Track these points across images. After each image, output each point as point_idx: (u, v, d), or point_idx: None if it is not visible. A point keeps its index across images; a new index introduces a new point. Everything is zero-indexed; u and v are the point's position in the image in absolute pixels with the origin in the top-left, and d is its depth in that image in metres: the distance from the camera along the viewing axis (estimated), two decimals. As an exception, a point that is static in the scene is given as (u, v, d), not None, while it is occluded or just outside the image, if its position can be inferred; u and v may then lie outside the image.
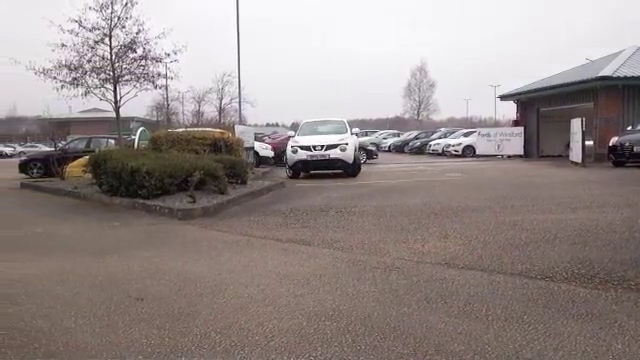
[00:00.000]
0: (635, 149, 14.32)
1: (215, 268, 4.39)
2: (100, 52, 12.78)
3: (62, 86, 12.66)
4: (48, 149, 25.26)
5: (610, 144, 15.12)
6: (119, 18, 12.67)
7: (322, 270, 4.18)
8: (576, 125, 16.38)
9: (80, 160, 12.38)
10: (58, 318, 3.20)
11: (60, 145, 17.56)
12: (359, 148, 15.95)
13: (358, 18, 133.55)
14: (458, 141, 26.30)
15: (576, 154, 16.32)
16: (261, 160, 18.23)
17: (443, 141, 28.05)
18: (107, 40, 12.71)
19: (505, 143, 23.24)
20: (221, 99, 51.38)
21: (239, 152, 13.00)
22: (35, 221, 7.37)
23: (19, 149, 46.03)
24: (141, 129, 14.92)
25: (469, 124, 60.16)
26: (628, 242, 4.83)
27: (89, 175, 10.25)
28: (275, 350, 2.64)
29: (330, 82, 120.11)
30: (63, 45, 12.49)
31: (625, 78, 17.59)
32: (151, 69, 13.23)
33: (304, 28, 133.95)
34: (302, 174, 13.67)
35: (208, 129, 16.60)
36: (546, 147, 22.42)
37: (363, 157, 19.03)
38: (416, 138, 32.89)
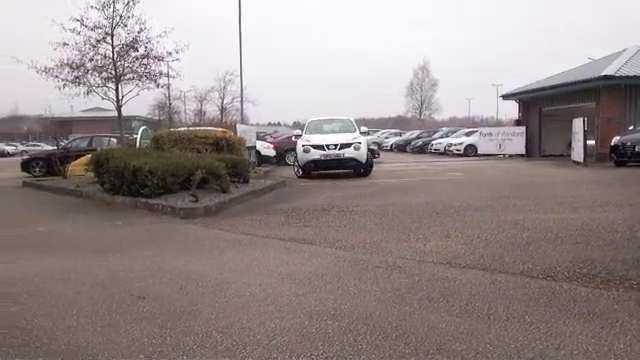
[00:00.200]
0: (637, 149, 14.28)
1: (217, 267, 4.39)
2: (102, 51, 12.82)
3: (64, 85, 12.70)
4: (50, 148, 25.33)
5: (612, 144, 15.09)
6: (121, 17, 12.69)
7: (324, 269, 4.19)
8: (578, 125, 16.34)
9: (82, 159, 12.39)
10: (60, 317, 3.21)
11: (62, 144, 17.59)
12: None
13: (359, 18, 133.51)
14: (460, 140, 26.26)
15: (578, 154, 16.29)
16: (263, 159, 18.23)
17: (445, 140, 28.01)
18: (109, 39, 12.73)
19: (507, 142, 23.20)
20: (223, 98, 51.42)
21: (241, 151, 13.00)
22: (37, 220, 7.39)
23: (21, 148, 46.10)
24: (143, 128, 14.92)
25: (471, 123, 60.12)
26: (630, 242, 4.82)
27: (91, 174, 10.27)
28: (277, 349, 2.65)
29: (331, 81, 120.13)
30: (65, 44, 12.51)
31: (627, 77, 17.53)
32: (153, 68, 13.25)
33: (305, 28, 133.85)
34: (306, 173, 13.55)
35: (210, 128, 16.60)
36: (548, 147, 22.38)
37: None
38: (418, 137, 32.86)
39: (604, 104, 18.02)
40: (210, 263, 4.55)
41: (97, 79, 12.91)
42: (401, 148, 32.79)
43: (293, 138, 21.67)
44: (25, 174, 15.82)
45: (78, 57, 12.65)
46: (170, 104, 45.89)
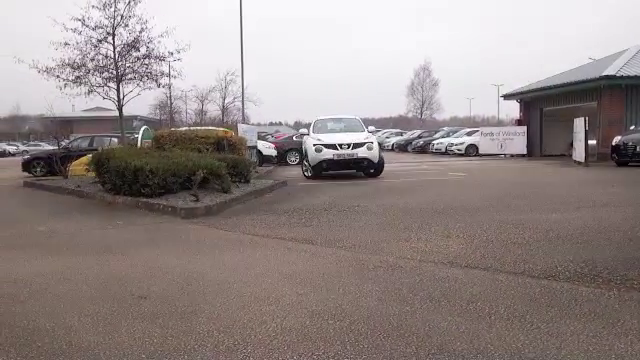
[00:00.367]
0: (638, 149, 14.28)
1: (218, 267, 4.39)
2: (103, 51, 12.83)
3: (65, 85, 12.71)
4: (51, 148, 25.35)
5: (613, 143, 15.08)
6: (122, 17, 12.69)
7: (325, 269, 4.19)
8: (579, 124, 16.33)
9: (83, 159, 12.41)
10: (61, 317, 3.21)
11: (63, 144, 17.60)
12: None
13: (360, 17, 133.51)
14: (461, 140, 26.26)
15: (579, 153, 16.28)
16: (264, 159, 18.25)
17: (446, 140, 28.00)
18: (110, 39, 12.74)
19: (508, 142, 23.19)
20: (224, 98, 51.38)
21: (242, 151, 13.01)
22: (38, 219, 7.40)
23: (22, 148, 46.15)
24: (144, 128, 14.93)
25: (472, 123, 60.12)
26: (631, 241, 4.82)
27: (92, 174, 10.27)
28: (278, 349, 2.65)
29: (332, 81, 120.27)
30: (66, 44, 12.52)
31: (628, 77, 17.52)
32: (154, 68, 13.26)
33: (307, 28, 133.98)
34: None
35: (211, 128, 16.62)
36: (549, 146, 22.37)
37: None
38: (419, 137, 32.86)
39: (605, 104, 18.00)
40: (211, 263, 4.55)
41: (98, 79, 12.93)
42: (402, 148, 32.79)
43: (295, 138, 21.81)
44: (26, 174, 15.84)
45: (79, 57, 12.68)
46: (171, 104, 45.91)
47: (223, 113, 50.49)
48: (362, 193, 9.47)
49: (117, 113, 13.80)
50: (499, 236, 5.22)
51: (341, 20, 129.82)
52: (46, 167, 15.72)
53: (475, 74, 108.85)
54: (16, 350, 2.72)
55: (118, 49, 12.81)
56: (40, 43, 14.62)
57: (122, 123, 14.27)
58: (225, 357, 2.58)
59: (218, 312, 3.23)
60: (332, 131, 13.60)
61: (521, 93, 23.83)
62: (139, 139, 13.59)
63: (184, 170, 8.49)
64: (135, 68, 13.07)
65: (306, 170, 13.15)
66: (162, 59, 13.32)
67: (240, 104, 33.42)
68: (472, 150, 24.68)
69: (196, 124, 30.56)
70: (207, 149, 11.61)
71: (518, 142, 22.92)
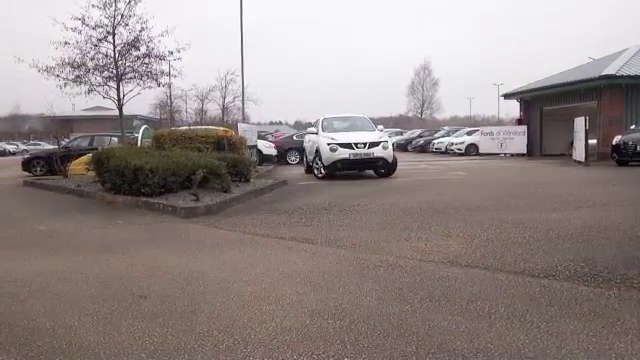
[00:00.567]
0: (638, 148, 14.27)
1: (218, 266, 4.39)
2: (103, 50, 12.81)
3: (65, 84, 12.69)
4: (51, 147, 25.36)
5: (613, 143, 15.07)
6: (122, 16, 12.67)
7: (325, 268, 4.19)
8: (579, 124, 16.32)
9: (83, 158, 12.40)
10: (61, 316, 3.21)
11: (63, 143, 17.60)
12: None
13: (361, 17, 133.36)
14: (461, 140, 26.26)
15: (579, 153, 16.27)
16: (264, 158, 18.26)
17: (446, 139, 28.01)
18: (110, 38, 12.72)
19: (508, 142, 23.20)
20: (224, 97, 51.39)
21: (242, 150, 13.01)
22: (38, 219, 7.40)
23: (22, 147, 46.16)
24: (144, 127, 14.93)
25: (472, 123, 60.17)
26: (631, 241, 4.82)
27: (92, 173, 10.27)
28: (278, 348, 2.65)
29: (333, 80, 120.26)
30: (66, 43, 12.51)
31: (629, 77, 17.52)
32: (154, 67, 13.24)
33: (307, 27, 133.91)
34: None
35: (211, 127, 16.63)
36: (549, 146, 22.37)
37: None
38: (419, 136, 32.89)
39: (605, 103, 18.00)
40: (211, 262, 4.55)
41: (98, 78, 12.91)
42: (402, 147, 32.78)
43: (295, 137, 21.80)
44: (26, 173, 15.84)
45: (79, 56, 12.66)
46: (171, 103, 45.88)
47: (223, 112, 50.51)
48: (362, 193, 9.47)
49: (117, 112, 13.79)
50: (499, 235, 5.22)
51: (341, 20, 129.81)
52: (46, 166, 15.72)
53: (475, 74, 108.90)
54: (16, 349, 2.72)
55: (118, 48, 12.80)
56: (40, 42, 14.61)
57: (122, 122, 14.26)
58: (225, 356, 2.58)
59: (218, 311, 3.23)
60: (343, 130, 13.11)
61: (521, 92, 23.82)
62: (139, 138, 13.59)
63: (184, 169, 8.49)
64: (135, 67, 13.06)
65: (319, 171, 12.55)
66: (162, 58, 13.31)
67: (240, 103, 33.43)
68: (472, 149, 24.69)
69: (196, 123, 30.60)
70: (207, 148, 11.61)
71: (518, 141, 22.92)
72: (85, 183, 10.46)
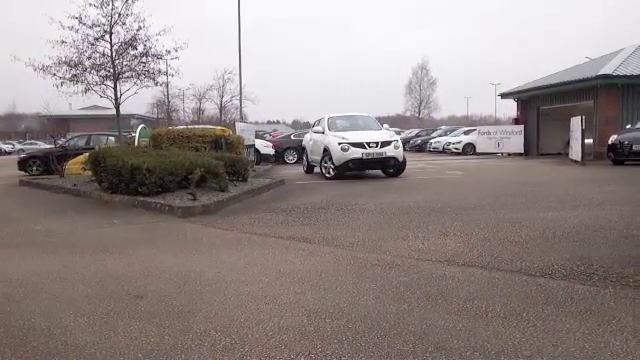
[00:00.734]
0: (634, 147, 14.32)
1: (215, 266, 4.39)
2: (100, 49, 12.76)
3: (62, 83, 12.63)
4: (47, 146, 25.27)
5: (609, 142, 15.11)
6: (119, 15, 12.62)
7: (322, 267, 4.19)
8: (576, 123, 16.37)
9: (80, 157, 12.36)
10: (57, 316, 3.20)
11: (60, 142, 17.55)
12: None
13: (359, 16, 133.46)
14: (458, 139, 26.32)
15: (576, 152, 16.32)
16: (262, 158, 18.25)
17: (444, 139, 28.08)
18: (107, 37, 12.67)
19: (505, 141, 23.25)
20: (222, 96, 51.32)
21: (240, 150, 13.00)
22: (34, 218, 7.37)
23: (18, 146, 46.00)
24: (141, 126, 14.90)
25: (469, 122, 60.24)
26: (627, 239, 4.84)
27: (89, 172, 10.24)
28: (275, 348, 2.65)
29: (330, 80, 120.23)
30: (63, 42, 12.46)
31: (625, 77, 17.58)
32: (152, 66, 13.18)
33: (304, 26, 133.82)
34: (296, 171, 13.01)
35: (209, 126, 16.61)
36: (546, 145, 22.42)
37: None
38: (417, 136, 32.96)
39: (602, 103, 18.05)
40: (208, 262, 4.55)
41: (95, 77, 12.85)
42: (399, 147, 32.78)
43: (292, 137, 21.78)
44: (22, 173, 15.78)
45: (76, 55, 12.61)
46: (169, 102, 45.79)
47: (221, 112, 50.45)
48: (360, 192, 9.47)
49: (114, 112, 13.74)
50: (496, 234, 5.23)
51: (341, 20, 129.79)
52: (42, 166, 15.67)
53: (474, 73, 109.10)
54: (11, 350, 2.71)
55: (115, 47, 12.74)
56: (37, 41, 14.56)
57: (119, 122, 14.24)
58: (222, 356, 2.58)
59: (215, 311, 3.22)
60: (349, 129, 12.79)
61: (518, 92, 23.87)
62: (136, 138, 13.55)
63: (181, 169, 8.48)
64: (132, 66, 13.01)
65: (328, 171, 12.23)
66: (160, 57, 13.26)
67: (238, 102, 33.39)
68: (469, 149, 24.75)
69: (194, 123, 30.53)
70: (205, 148, 11.59)
71: (515, 141, 22.98)
72: (82, 183, 10.43)
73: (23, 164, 16.51)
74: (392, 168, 12.34)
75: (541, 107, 22.62)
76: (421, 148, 29.69)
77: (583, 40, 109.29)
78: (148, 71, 13.14)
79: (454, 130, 30.87)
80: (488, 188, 9.56)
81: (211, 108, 50.98)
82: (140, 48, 12.94)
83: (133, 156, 8.71)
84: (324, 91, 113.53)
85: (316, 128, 13.66)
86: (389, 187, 10.32)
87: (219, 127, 16.09)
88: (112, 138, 16.58)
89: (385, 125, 13.94)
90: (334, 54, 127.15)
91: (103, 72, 12.82)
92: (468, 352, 2.52)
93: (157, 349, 2.67)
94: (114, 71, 12.76)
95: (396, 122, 64.00)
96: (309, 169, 14.32)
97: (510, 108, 62.36)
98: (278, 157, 20.03)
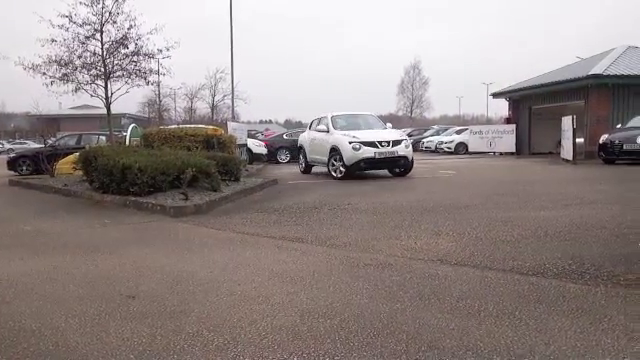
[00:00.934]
0: (625, 147, 14.45)
1: (208, 266, 4.37)
2: (91, 48, 12.64)
3: (52, 82, 12.50)
4: (37, 146, 25.05)
5: (600, 142, 15.24)
6: (110, 13, 12.51)
7: (315, 267, 4.18)
8: (567, 123, 16.50)
9: (70, 157, 12.25)
10: (48, 317, 3.17)
11: (50, 142, 17.38)
12: None
13: (351, 16, 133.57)
14: (451, 138, 26.45)
15: (567, 151, 16.45)
16: (254, 157, 18.21)
17: (436, 138, 28.20)
18: (98, 35, 12.56)
19: (497, 140, 23.39)
20: (214, 96, 51.18)
21: (232, 149, 12.96)
22: (24, 218, 7.29)
23: (8, 146, 45.51)
24: (132, 126, 14.79)
25: (462, 122, 60.66)
26: (617, 238, 4.88)
27: (79, 172, 10.15)
28: (268, 348, 2.64)
29: (322, 79, 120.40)
30: (53, 40, 12.33)
31: (615, 76, 17.74)
32: (143, 65, 13.08)
33: (298, 25, 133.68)
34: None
35: (201, 126, 16.57)
36: (537, 144, 22.59)
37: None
38: (409, 135, 32.95)
39: (593, 102, 18.21)
40: (201, 262, 4.52)
41: (86, 76, 12.73)
42: (392, 146, 32.88)
43: (285, 136, 21.75)
44: (11, 172, 15.62)
45: (66, 54, 12.48)
46: (160, 101, 45.55)
47: (213, 111, 50.31)
48: (352, 191, 9.48)
49: (105, 111, 13.63)
50: (488, 234, 5.25)
51: (336, 19, 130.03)
52: (32, 165, 15.52)
53: (469, 73, 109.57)
54: (1, 352, 2.67)
55: (106, 46, 12.63)
56: (26, 40, 14.42)
57: (110, 121, 14.11)
58: (215, 356, 2.56)
59: (208, 311, 3.21)
60: (355, 128, 12.46)
61: (510, 92, 24.02)
62: (127, 137, 13.46)
63: (173, 168, 8.43)
64: (123, 65, 12.90)
65: (337, 171, 11.91)
66: (151, 56, 13.17)
67: (230, 102, 33.28)
68: (462, 148, 24.88)
69: (185, 122, 30.42)
70: (196, 147, 11.55)
71: (507, 140, 23.12)
72: (72, 182, 10.34)
73: (13, 164, 16.34)
74: (401, 167, 12.24)
75: (533, 107, 22.77)
76: (413, 147, 29.63)
77: (583, 40, 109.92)
78: (139, 70, 13.04)
79: (446, 129, 31.02)
80: (480, 187, 9.60)
81: (203, 107, 50.88)
82: (131, 47, 12.84)
83: (124, 156, 8.64)
84: (317, 90, 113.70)
85: (318, 127, 13.29)
86: (382, 187, 10.33)
87: (211, 126, 16.06)
88: (103, 137, 16.46)
89: (388, 124, 13.77)
90: (328, 53, 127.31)
91: (94, 71, 12.71)
92: (461, 351, 2.53)
93: (149, 350, 2.65)
94: (105, 70, 12.65)
95: (388, 121, 64.24)
96: (307, 169, 14.08)
97: (502, 108, 62.72)
98: (271, 156, 20.00)
